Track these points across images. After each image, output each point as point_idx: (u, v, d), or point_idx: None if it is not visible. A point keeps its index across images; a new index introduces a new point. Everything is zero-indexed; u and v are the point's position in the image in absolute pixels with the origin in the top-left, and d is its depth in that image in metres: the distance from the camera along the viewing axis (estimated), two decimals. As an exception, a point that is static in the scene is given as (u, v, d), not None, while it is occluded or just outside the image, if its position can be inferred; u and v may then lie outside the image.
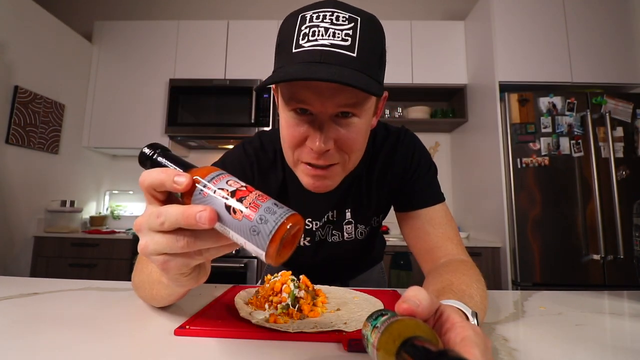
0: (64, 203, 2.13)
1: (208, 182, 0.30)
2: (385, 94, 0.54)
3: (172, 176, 0.30)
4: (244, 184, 0.30)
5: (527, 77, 1.98)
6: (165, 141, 2.31)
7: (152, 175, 0.30)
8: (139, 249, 0.31)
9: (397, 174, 0.64)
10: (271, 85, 0.48)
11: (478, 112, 2.18)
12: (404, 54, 2.35)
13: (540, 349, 0.40)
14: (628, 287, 0.72)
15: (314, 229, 0.70)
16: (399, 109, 2.45)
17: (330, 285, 0.65)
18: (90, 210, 2.51)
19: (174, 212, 0.29)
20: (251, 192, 0.29)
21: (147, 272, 0.46)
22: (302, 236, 0.70)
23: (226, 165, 0.64)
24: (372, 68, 0.45)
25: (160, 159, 0.34)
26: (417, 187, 0.63)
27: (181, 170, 0.31)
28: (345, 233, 0.71)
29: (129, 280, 0.56)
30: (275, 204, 0.29)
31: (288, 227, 0.28)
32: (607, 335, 0.46)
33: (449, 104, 2.62)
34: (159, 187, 0.30)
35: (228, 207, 0.29)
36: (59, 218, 2.11)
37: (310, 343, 0.40)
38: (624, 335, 0.46)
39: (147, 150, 0.34)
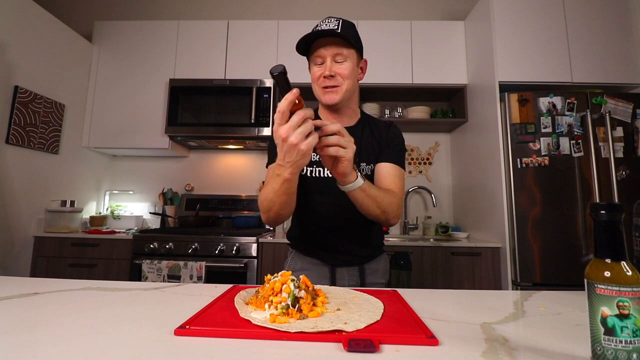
0: (64, 203, 2.13)
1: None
2: (365, 59, 0.95)
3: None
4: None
5: (527, 77, 1.97)
6: (165, 141, 2.32)
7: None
8: (294, 140, 0.58)
9: (383, 139, 0.98)
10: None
11: (478, 112, 2.18)
12: (404, 54, 2.35)
13: (540, 349, 0.40)
14: (628, 287, 0.72)
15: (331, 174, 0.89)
16: (399, 109, 2.45)
17: (348, 267, 0.95)
18: (90, 210, 2.51)
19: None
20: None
21: (268, 180, 0.79)
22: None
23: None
24: (351, 38, 0.85)
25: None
26: (391, 150, 0.96)
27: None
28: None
29: (129, 280, 0.56)
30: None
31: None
32: (607, 335, 0.46)
33: (449, 104, 2.62)
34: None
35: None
36: (59, 218, 2.11)
37: (310, 343, 0.41)
38: (624, 335, 0.46)
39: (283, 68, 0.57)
